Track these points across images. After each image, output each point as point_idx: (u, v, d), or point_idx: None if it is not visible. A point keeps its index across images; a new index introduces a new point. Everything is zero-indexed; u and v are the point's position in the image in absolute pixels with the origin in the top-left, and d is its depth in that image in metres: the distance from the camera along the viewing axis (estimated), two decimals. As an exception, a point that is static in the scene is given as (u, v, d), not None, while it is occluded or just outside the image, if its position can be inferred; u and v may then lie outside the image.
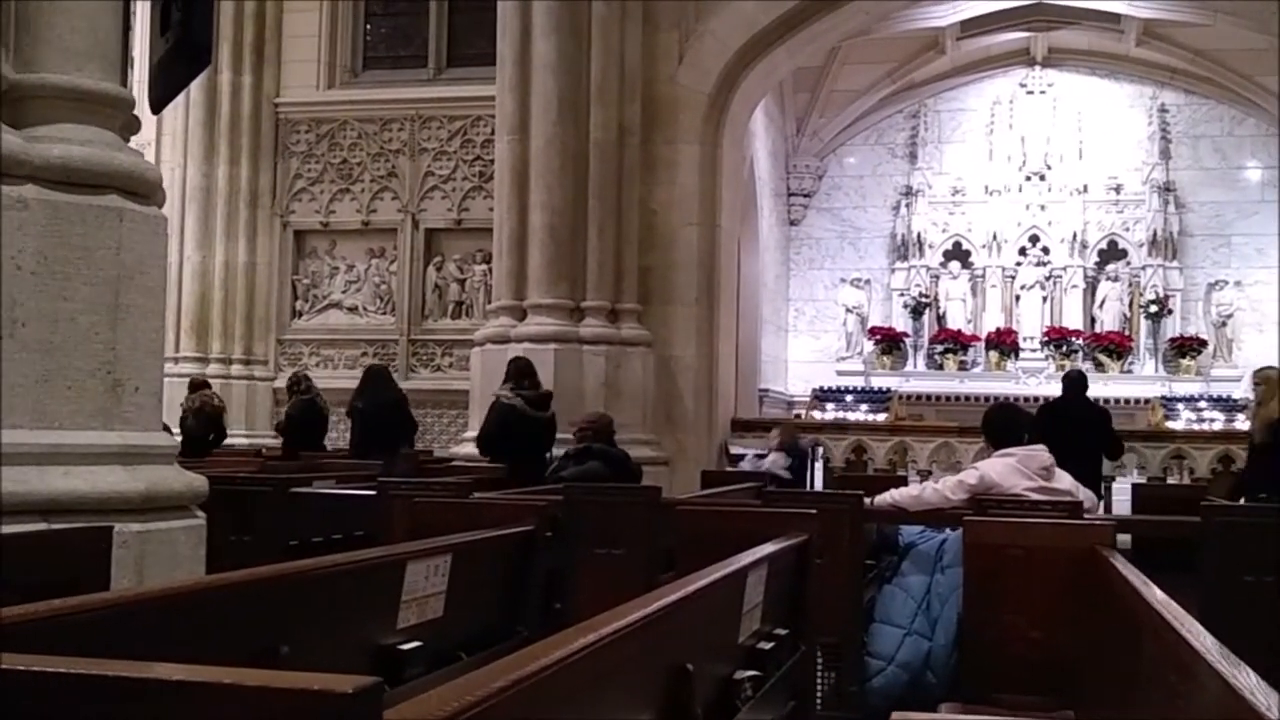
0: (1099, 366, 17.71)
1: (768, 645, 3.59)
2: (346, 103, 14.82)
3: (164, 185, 4.05)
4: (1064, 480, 5.92)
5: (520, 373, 9.41)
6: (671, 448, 10.86)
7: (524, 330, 10.70)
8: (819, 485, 12.06)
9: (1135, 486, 8.75)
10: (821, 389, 17.90)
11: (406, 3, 15.18)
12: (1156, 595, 2.91)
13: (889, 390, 17.71)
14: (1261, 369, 9.51)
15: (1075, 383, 10.06)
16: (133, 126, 3.90)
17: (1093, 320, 18.62)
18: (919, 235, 19.06)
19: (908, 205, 19.23)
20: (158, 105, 4.21)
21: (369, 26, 15.30)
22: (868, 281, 19.41)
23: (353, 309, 14.89)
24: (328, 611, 2.85)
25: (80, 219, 3.61)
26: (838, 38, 13.74)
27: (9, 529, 3.36)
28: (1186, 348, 18.06)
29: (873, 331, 19.04)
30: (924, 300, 18.96)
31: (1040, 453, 5.91)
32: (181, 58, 3.92)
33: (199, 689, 1.09)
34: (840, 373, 18.70)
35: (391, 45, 15.30)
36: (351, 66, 15.14)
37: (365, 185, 14.75)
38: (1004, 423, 6.11)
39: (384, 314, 14.77)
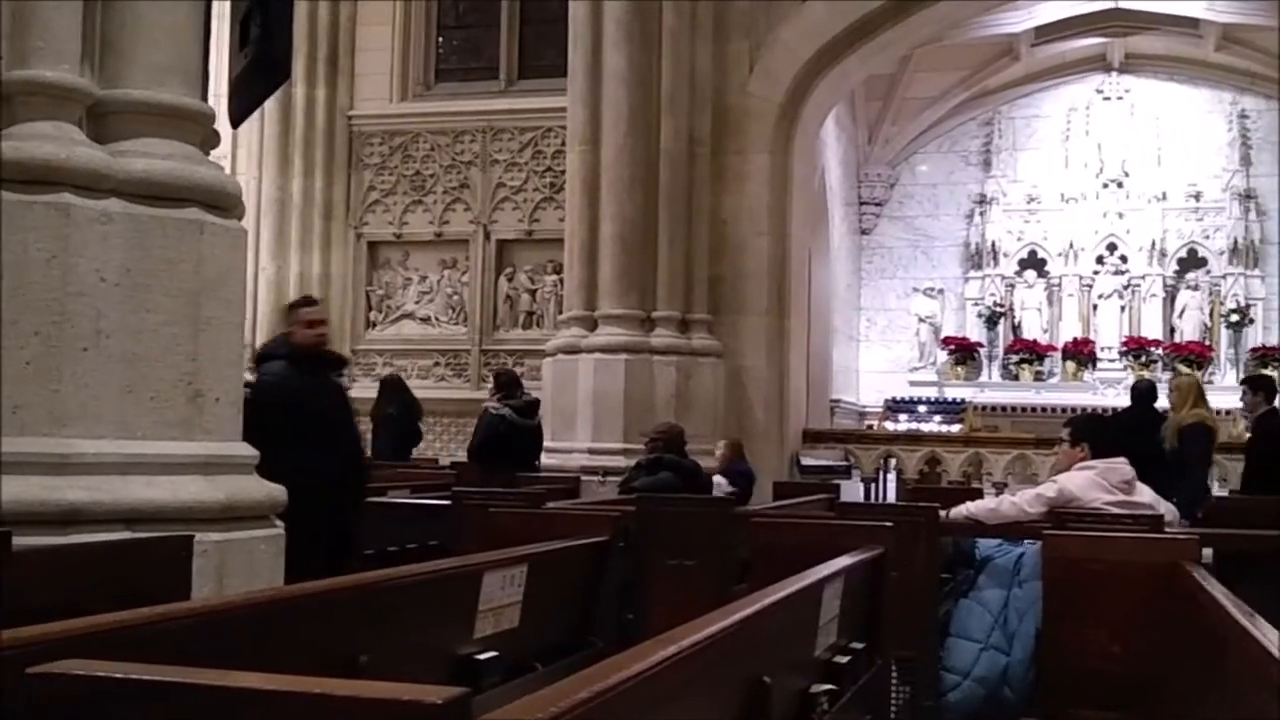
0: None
1: (844, 659, 3.56)
2: (419, 115, 14.95)
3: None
4: (1144, 494, 5.83)
5: (508, 383, 10.03)
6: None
7: (595, 340, 10.72)
8: (891, 497, 11.96)
9: (1219, 499, 8.57)
10: (894, 400, 17.75)
11: (478, 15, 15.30)
12: (1242, 611, 2.85)
13: (963, 401, 17.52)
14: (1176, 375, 9.59)
15: (1144, 394, 9.87)
16: (213, 141, 3.97)
17: (1172, 330, 18.30)
18: (993, 244, 18.85)
19: (982, 213, 19.02)
20: (237, 119, 4.27)
21: (441, 39, 15.43)
22: (941, 291, 19.21)
23: (425, 319, 15.00)
24: (406, 621, 2.87)
25: (162, 232, 3.67)
26: (910, 45, 13.63)
27: (94, 538, 3.42)
28: (1269, 357, 17.68)
29: (946, 341, 18.85)
30: (999, 309, 18.74)
31: (1121, 465, 5.82)
32: (261, 72, 3.97)
33: (290, 699, 1.10)
34: (913, 383, 18.52)
35: (463, 58, 15.42)
36: (424, 79, 15.28)
37: (437, 197, 14.86)
38: (1099, 431, 6.07)
39: (456, 324, 14.87)
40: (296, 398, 5.80)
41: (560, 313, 12.62)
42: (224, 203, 3.82)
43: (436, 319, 14.94)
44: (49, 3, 3.65)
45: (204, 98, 3.98)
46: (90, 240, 3.55)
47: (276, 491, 3.98)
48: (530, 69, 14.89)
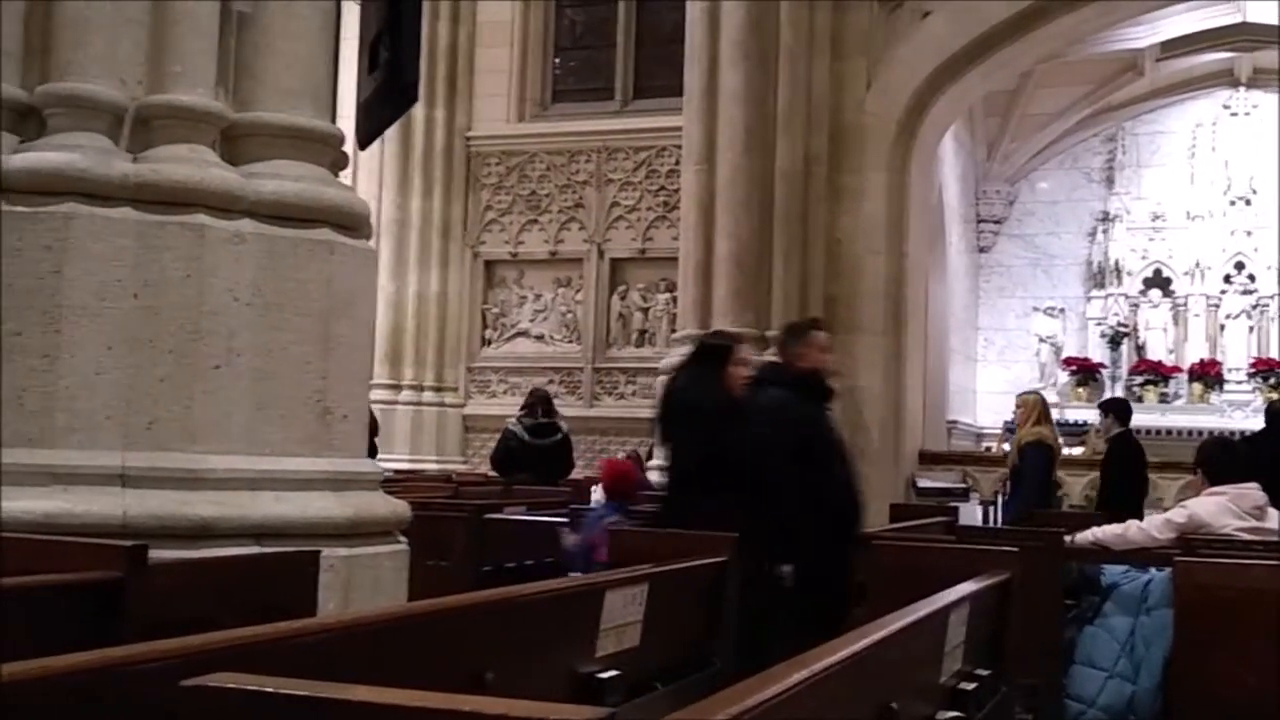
0: (1311, 399, 16.84)
1: (969, 686, 3.50)
2: (535, 135, 15.11)
3: (369, 218, 4.17)
4: (1276, 520, 5.67)
5: (532, 403, 10.58)
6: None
7: (710, 359, 10.68)
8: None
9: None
10: (1013, 421, 17.42)
11: (594, 36, 15.44)
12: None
13: (1085, 423, 17.13)
14: (1022, 392, 9.97)
15: (1278, 415, 9.57)
16: (342, 162, 4.05)
17: (1303, 350, 17.74)
18: (1116, 262, 18.44)
19: (1104, 231, 18.62)
20: (365, 141, 4.36)
21: (558, 61, 15.60)
22: (1062, 310, 18.84)
23: (540, 337, 15.13)
24: (530, 638, 2.88)
25: (293, 252, 3.75)
26: (1031, 61, 13.42)
27: (224, 551, 3.50)
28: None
29: (1067, 362, 18.46)
30: (1122, 330, 18.32)
31: (1253, 491, 5.66)
32: (390, 96, 4.05)
33: (443, 716, 1.10)
34: (1033, 404, 18.16)
35: (580, 78, 15.57)
36: (541, 100, 15.44)
37: (553, 216, 15.00)
38: (1222, 457, 5.87)
39: (570, 342, 14.97)
40: (812, 426, 5.66)
41: (673, 330, 12.62)
42: (353, 223, 3.89)
43: (550, 337, 15.06)
44: (186, 29, 3.76)
45: (333, 120, 4.07)
46: (224, 260, 3.64)
47: (401, 508, 4.04)
48: (645, 89, 14.97)
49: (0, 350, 3.49)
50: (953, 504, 10.34)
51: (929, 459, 12.18)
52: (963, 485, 12.03)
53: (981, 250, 19.27)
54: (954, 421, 17.22)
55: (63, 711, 1.65)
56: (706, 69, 10.87)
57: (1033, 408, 9.43)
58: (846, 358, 10.87)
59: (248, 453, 3.64)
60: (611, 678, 3.16)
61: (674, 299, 13.65)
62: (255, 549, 3.55)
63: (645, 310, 14.57)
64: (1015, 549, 4.37)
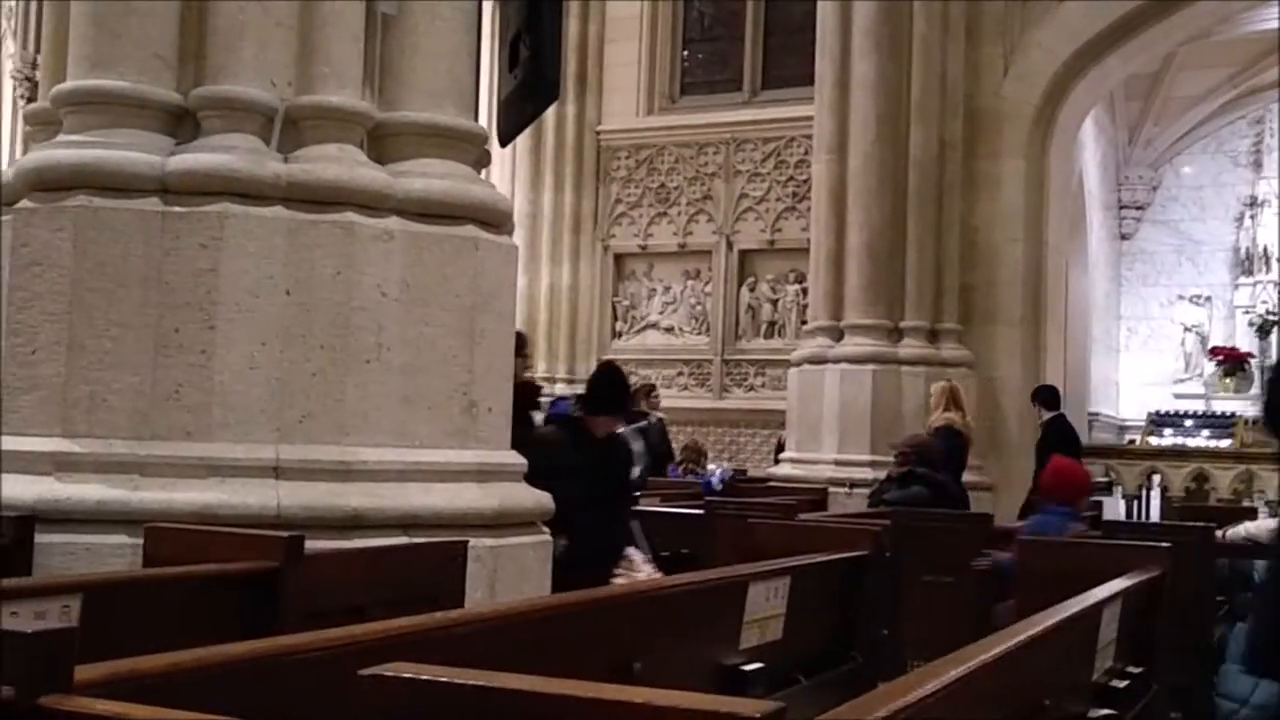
0: None
1: (1121, 684, 3.45)
2: (665, 128, 15.15)
3: (508, 214, 4.22)
4: None
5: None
6: (995, 473, 10.51)
7: (841, 351, 10.62)
8: (1155, 516, 11.45)
9: None
10: (1158, 413, 16.98)
11: (723, 28, 15.41)
12: None
13: (1233, 414, 16.60)
14: (938, 382, 9.86)
15: None
16: (485, 160, 4.11)
17: None
18: (1265, 248, 17.83)
19: (1252, 216, 18.02)
20: (506, 138, 4.42)
21: (686, 53, 15.60)
22: (1208, 298, 18.27)
23: (669, 329, 15.17)
24: (675, 630, 2.91)
25: (439, 248, 3.82)
26: (1174, 43, 13.02)
27: (374, 542, 3.58)
28: None
29: (1214, 352, 17.90)
30: (1271, 318, 17.70)
31: None
32: (531, 93, 4.09)
33: (612, 708, 1.12)
34: (1178, 395, 17.69)
35: (708, 70, 15.55)
36: (669, 93, 15.47)
37: (682, 208, 15.02)
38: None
39: (699, 334, 14.98)
40: None
41: (802, 322, 12.55)
42: (496, 219, 3.95)
43: (680, 329, 15.09)
44: (333, 31, 3.85)
45: (475, 118, 4.13)
46: (372, 257, 3.73)
47: (545, 499, 4.09)
48: (774, 79, 14.90)
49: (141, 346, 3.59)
50: (1095, 498, 10.11)
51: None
52: (1105, 479, 11.75)
53: (1124, 237, 18.77)
54: (1096, 414, 16.82)
55: (239, 697, 1.71)
56: (838, 59, 10.77)
57: (942, 394, 9.66)
58: (983, 348, 10.72)
59: (397, 445, 3.72)
60: (755, 670, 3.17)
61: (803, 290, 13.57)
62: (404, 539, 3.63)
63: (774, 302, 14.51)
64: (1167, 545, 4.27)
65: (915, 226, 10.59)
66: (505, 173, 15.07)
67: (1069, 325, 12.80)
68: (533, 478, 4.16)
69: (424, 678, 1.26)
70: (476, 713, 1.23)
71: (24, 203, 3.76)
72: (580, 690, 1.17)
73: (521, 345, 5.52)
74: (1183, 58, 16.65)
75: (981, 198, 10.85)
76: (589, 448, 5.52)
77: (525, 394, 5.54)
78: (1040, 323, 11.05)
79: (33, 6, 17.55)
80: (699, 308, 14.98)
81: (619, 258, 15.41)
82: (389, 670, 1.27)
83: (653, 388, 12.01)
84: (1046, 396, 10.30)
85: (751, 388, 14.54)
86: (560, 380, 15.17)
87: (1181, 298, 18.37)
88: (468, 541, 3.57)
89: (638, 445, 9.29)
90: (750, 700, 1.13)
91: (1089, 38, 10.74)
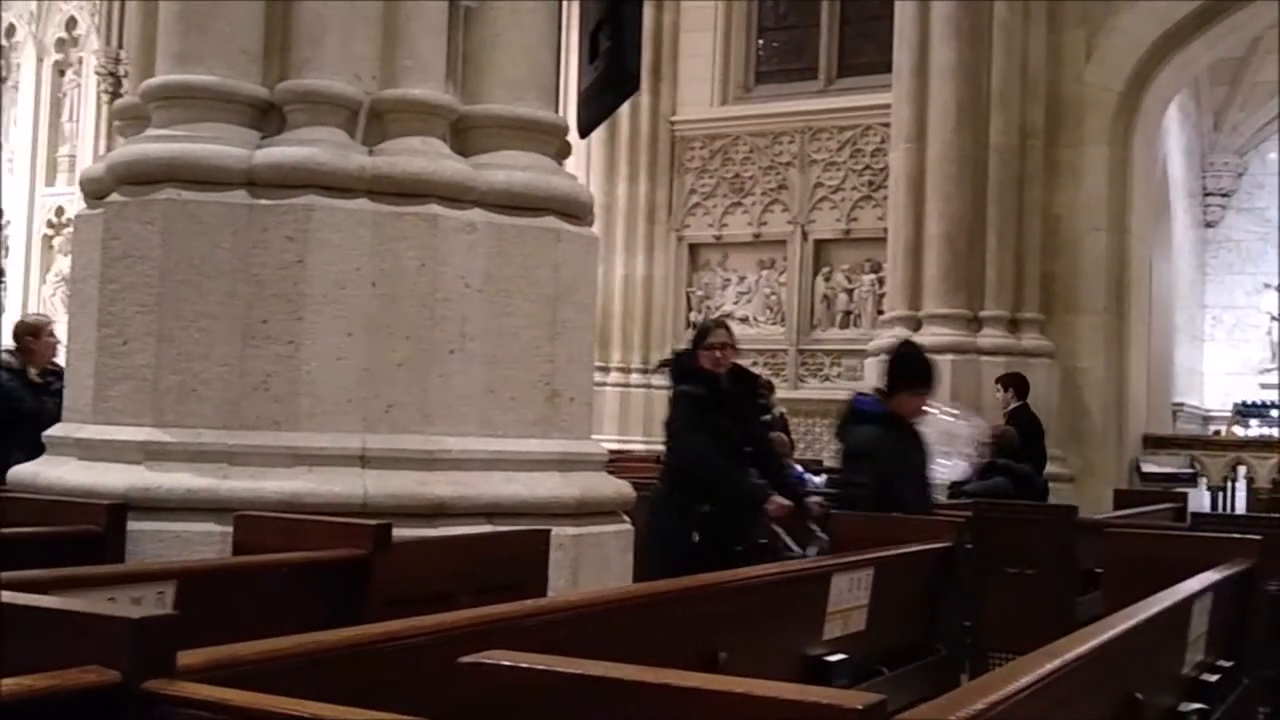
0: None
1: (1211, 678, 3.39)
2: (739, 118, 15.08)
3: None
4: None
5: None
6: (1077, 464, 10.37)
7: (919, 340, 10.52)
8: (1240, 507, 11.23)
9: None
10: (1244, 403, 16.61)
11: (798, 16, 15.31)
12: None
13: (1321, 406, 16.24)
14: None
15: None
16: (566, 151, 4.12)
17: None
18: (1354, 236, 17.41)
19: (1341, 202, 17.59)
20: (585, 130, 4.43)
21: (761, 42, 15.52)
22: (1294, 287, 17.88)
23: (743, 320, 15.10)
24: (758, 620, 2.91)
25: (521, 240, 3.85)
26: (1261, 26, 12.71)
27: (459, 530, 3.61)
28: None
29: (1301, 341, 17.53)
30: (1360, 306, 17.30)
31: None
32: (612, 84, 4.10)
33: (711, 697, 1.12)
34: (1264, 385, 17.31)
35: (783, 59, 15.47)
36: (744, 82, 15.40)
37: (756, 198, 14.95)
38: None
39: (773, 324, 14.92)
40: None
41: (878, 312, 12.45)
42: (577, 211, 3.97)
43: (755, 319, 15.03)
44: (416, 24, 3.88)
45: (556, 110, 4.14)
46: (456, 249, 3.76)
47: (626, 489, 4.11)
48: (850, 67, 14.77)
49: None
50: (1180, 489, 9.94)
51: (1153, 443, 11.73)
52: (1190, 470, 11.55)
53: (1208, 225, 18.40)
54: (1180, 404, 16.50)
55: (335, 683, 1.73)
56: (917, 46, 10.68)
57: None
58: (1065, 338, 10.58)
59: (480, 434, 3.76)
60: (838, 661, 3.16)
61: (879, 280, 13.47)
62: (488, 528, 3.66)
63: (850, 291, 14.40)
64: (1256, 537, 4.19)
65: (996, 215, 10.48)
66: (581, 163, 15.06)
67: (1153, 315, 12.58)
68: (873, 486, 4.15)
69: (523, 665, 1.27)
70: (577, 701, 1.24)
71: (115, 196, 3.83)
72: (679, 680, 1.18)
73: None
74: (1269, 41, 16.23)
75: (1063, 185, 10.71)
76: (917, 443, 5.28)
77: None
78: (1123, 312, 10.88)
79: (116, 3, 17.92)
80: (773, 298, 14.92)
81: (693, 248, 15.39)
82: (488, 658, 1.29)
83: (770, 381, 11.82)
84: (1017, 384, 10.00)
85: (827, 378, 14.46)
86: (634, 370, 15.20)
87: (1268, 286, 17.94)
88: (550, 530, 3.59)
89: None
90: (851, 692, 1.13)
91: (1174, 22, 10.55)
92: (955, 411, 5.80)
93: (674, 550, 5.08)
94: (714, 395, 5.41)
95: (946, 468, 5.89)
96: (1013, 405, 9.75)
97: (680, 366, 5.69)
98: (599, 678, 1.20)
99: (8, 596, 1.69)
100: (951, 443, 5.67)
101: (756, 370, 14.65)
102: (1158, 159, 13.41)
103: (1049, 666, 1.78)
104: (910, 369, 5.31)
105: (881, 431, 5.15)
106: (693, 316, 15.35)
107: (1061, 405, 10.45)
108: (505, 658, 1.28)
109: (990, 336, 10.45)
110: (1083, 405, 10.57)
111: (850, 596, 3.34)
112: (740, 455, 5.35)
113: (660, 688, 1.17)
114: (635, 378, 15.22)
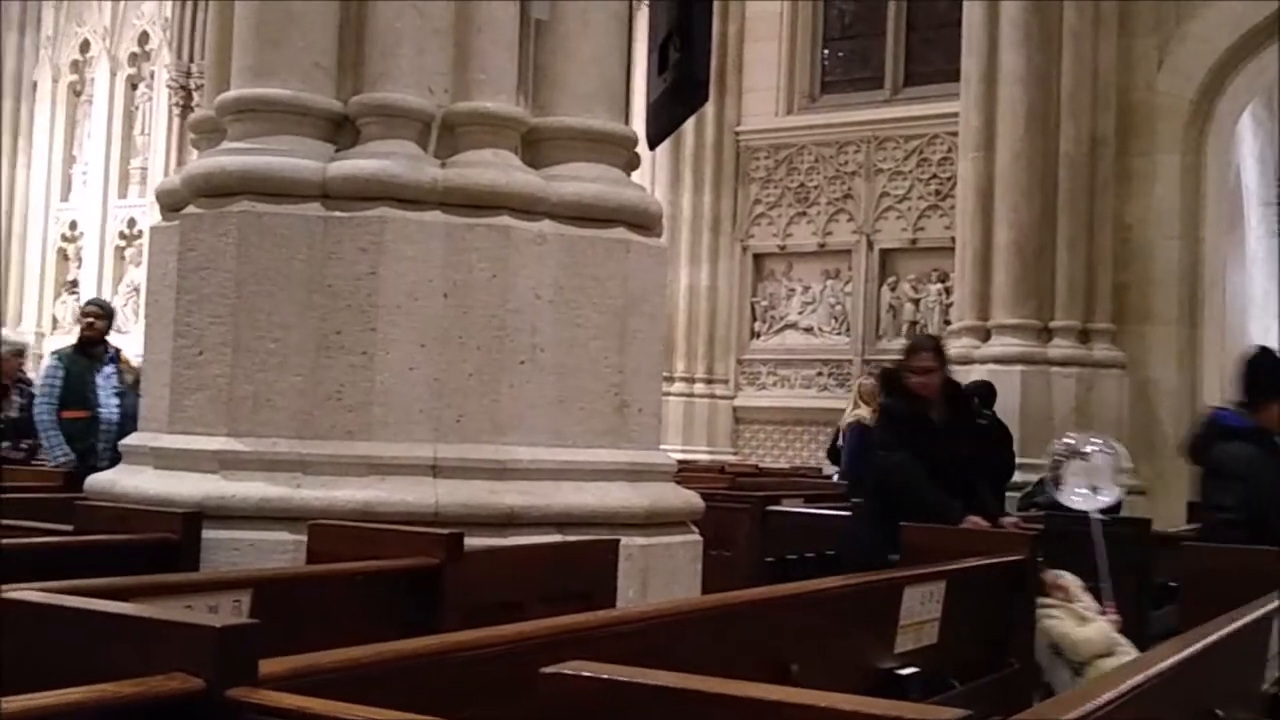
0: None
1: (1291, 695, 3.32)
2: (804, 127, 15.04)
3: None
4: None
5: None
6: (1149, 476, 10.21)
7: (988, 351, 10.44)
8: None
9: None
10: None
11: (864, 25, 15.24)
12: None
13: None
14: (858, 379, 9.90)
15: None
16: (635, 163, 4.13)
17: None
18: None
19: None
20: (655, 141, 4.44)
21: (826, 51, 15.47)
22: (1372, 296, 17.50)
23: (808, 330, 15.06)
24: (831, 632, 2.90)
25: (591, 251, 3.86)
26: (1340, 30, 12.51)
27: (529, 539, 3.63)
28: None
29: (1378, 351, 17.14)
30: None
31: None
32: (681, 95, 4.11)
33: (799, 711, 1.12)
34: (1339, 397, 16.94)
35: (848, 68, 15.40)
36: (809, 92, 15.35)
37: (821, 208, 14.89)
38: None
39: (839, 334, 14.84)
40: None
41: (945, 322, 12.35)
42: (647, 222, 3.98)
43: (819, 329, 14.97)
44: (488, 37, 3.91)
45: (626, 121, 4.16)
46: (527, 260, 3.78)
47: (695, 499, 4.10)
48: (916, 75, 14.68)
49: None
50: (1254, 503, 9.75)
51: (1227, 455, 11.51)
52: (1265, 483, 11.32)
53: (1282, 233, 18.07)
54: (1253, 415, 16.22)
55: (413, 692, 1.75)
56: (985, 53, 10.60)
57: (855, 395, 10.28)
58: (1138, 348, 10.44)
59: (550, 444, 3.77)
60: (910, 674, 3.14)
61: (946, 290, 13.37)
62: (558, 537, 3.67)
63: (916, 301, 14.30)
64: (1339, 552, 4.10)
65: (1066, 224, 10.38)
66: (646, 174, 15.06)
67: (1227, 325, 12.38)
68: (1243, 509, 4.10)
69: (604, 676, 1.27)
70: (656, 712, 1.24)
71: (190, 208, 3.89)
72: (762, 693, 1.18)
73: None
74: (1347, 46, 15.98)
75: (1135, 194, 10.57)
76: None
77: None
78: (1197, 322, 10.72)
79: (188, 18, 18.23)
80: (838, 307, 14.84)
81: (758, 258, 15.36)
82: (569, 669, 1.29)
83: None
84: (984, 394, 9.58)
85: (894, 388, 14.34)
86: (699, 380, 15.19)
87: (1347, 296, 17.62)
88: (620, 540, 3.60)
89: None
90: (938, 707, 1.12)
91: (1247, 29, 10.39)
92: (1099, 440, 5.61)
93: (871, 568, 4.96)
94: (914, 412, 5.33)
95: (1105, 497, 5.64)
96: (983, 413, 9.64)
97: (889, 381, 5.60)
98: (679, 689, 1.20)
99: (93, 604, 1.72)
100: (1098, 476, 5.45)
101: (821, 380, 14.62)
102: (1231, 167, 13.20)
103: (1128, 684, 1.76)
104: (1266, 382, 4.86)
105: (1254, 450, 4.64)
106: (757, 326, 15.33)
107: (1133, 416, 10.31)
108: (586, 668, 1.29)
109: (1061, 347, 10.34)
110: (1155, 417, 10.42)
111: (922, 610, 3.32)
112: (942, 474, 5.20)
113: (743, 700, 1.17)
114: (699, 387, 15.22)
